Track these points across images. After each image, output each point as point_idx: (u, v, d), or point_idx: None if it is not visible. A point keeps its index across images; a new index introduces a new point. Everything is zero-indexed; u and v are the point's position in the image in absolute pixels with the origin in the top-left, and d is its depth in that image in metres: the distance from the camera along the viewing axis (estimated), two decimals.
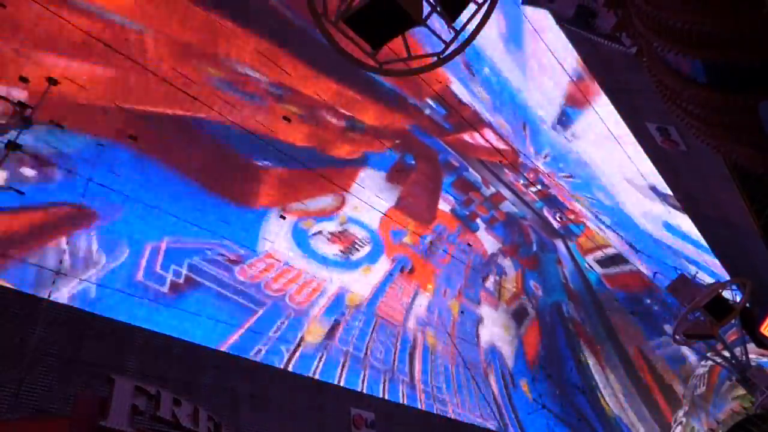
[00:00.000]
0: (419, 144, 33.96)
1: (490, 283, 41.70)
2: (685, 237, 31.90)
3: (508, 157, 36.62)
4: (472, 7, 8.88)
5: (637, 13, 8.01)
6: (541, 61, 26.83)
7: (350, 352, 27.71)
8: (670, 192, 24.92)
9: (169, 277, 21.37)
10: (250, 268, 24.82)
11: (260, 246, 25.72)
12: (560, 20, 15.73)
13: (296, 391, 19.37)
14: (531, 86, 30.06)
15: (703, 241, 27.34)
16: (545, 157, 36.86)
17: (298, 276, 27.24)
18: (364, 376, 27.78)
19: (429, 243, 36.61)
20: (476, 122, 34.05)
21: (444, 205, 37.53)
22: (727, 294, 22.46)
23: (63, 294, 17.41)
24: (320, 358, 26.12)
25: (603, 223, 39.23)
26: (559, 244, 44.18)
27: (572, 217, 40.90)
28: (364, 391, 26.01)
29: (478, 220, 40.74)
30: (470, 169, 39.40)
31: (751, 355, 23.94)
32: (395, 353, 30.56)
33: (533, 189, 40.84)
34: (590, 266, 42.86)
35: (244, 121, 23.81)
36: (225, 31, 22.33)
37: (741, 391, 28.20)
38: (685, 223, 28.26)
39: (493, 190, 41.47)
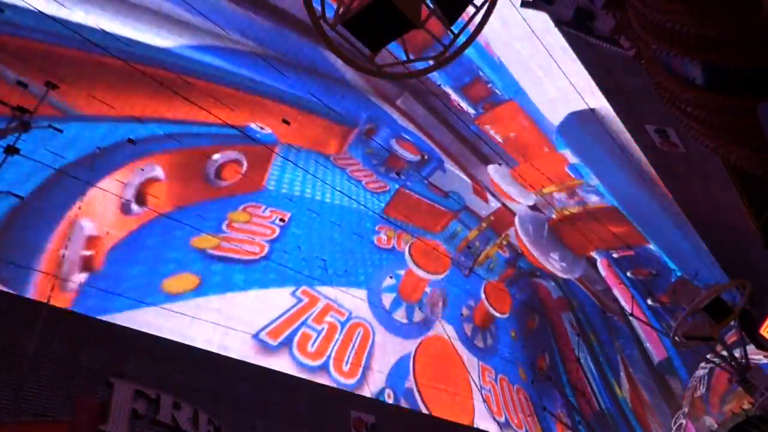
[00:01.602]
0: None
1: None
2: None
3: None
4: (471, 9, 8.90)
5: (635, 16, 8.03)
6: None
7: None
8: None
9: None
10: None
11: None
12: (558, 22, 15.75)
13: (296, 394, 19.34)
14: None
15: None
16: None
17: None
18: None
19: None
20: None
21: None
22: (726, 296, 22.44)
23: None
24: None
25: None
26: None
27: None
28: None
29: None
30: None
31: (751, 357, 23.91)
32: None
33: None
34: None
35: None
36: None
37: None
38: None
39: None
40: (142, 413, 10.66)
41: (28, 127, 15.25)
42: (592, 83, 19.77)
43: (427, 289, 29.38)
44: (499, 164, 28.73)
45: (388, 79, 16.58)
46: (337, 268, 24.97)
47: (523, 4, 15.67)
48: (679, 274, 29.57)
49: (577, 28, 14.50)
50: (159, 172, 20.62)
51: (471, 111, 26.56)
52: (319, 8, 8.70)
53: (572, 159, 27.84)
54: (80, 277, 17.77)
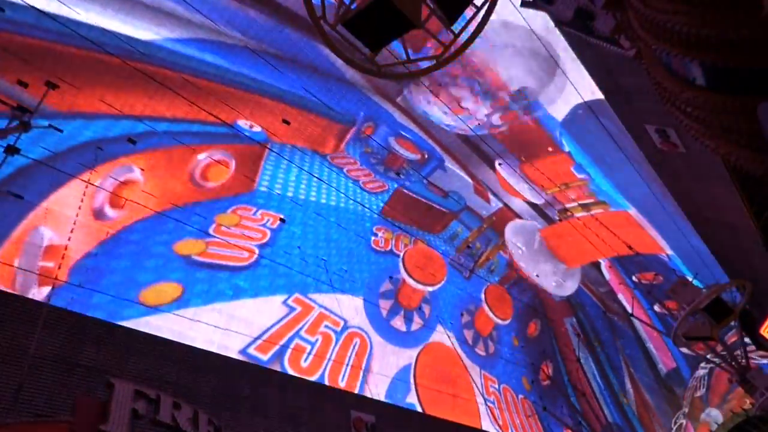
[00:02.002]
0: None
1: None
2: None
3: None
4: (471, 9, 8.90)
5: (635, 16, 8.02)
6: None
7: None
8: None
9: None
10: None
11: None
12: (558, 22, 15.76)
13: (296, 394, 19.33)
14: None
15: None
16: None
17: None
18: None
19: None
20: None
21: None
22: (726, 296, 22.43)
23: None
24: None
25: None
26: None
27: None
28: None
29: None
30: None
31: (751, 357, 23.92)
32: None
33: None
34: None
35: None
36: None
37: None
38: None
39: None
40: (142, 413, 10.63)
41: (28, 127, 15.18)
42: (592, 82, 19.79)
43: (427, 295, 28.26)
44: (500, 164, 28.43)
45: (389, 79, 16.59)
46: (332, 273, 23.64)
47: (523, 4, 15.69)
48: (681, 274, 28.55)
49: (577, 28, 14.51)
50: (136, 173, 19.26)
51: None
52: (320, 8, 8.70)
53: (578, 158, 27.07)
54: (42, 291, 16.09)
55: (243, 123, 22.16)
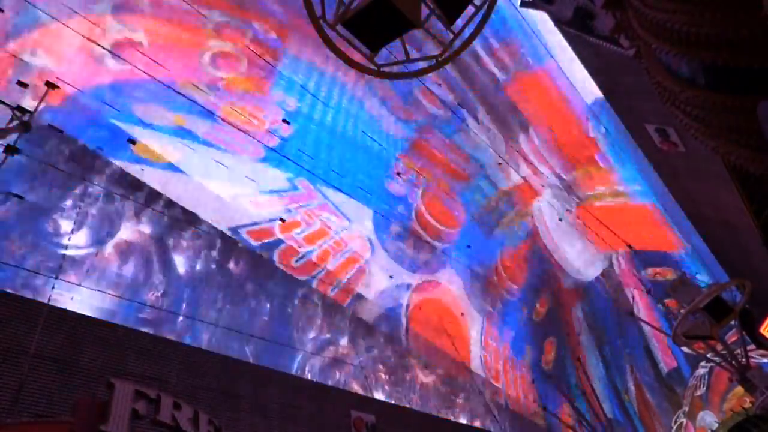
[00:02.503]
0: None
1: None
2: None
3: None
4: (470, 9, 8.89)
5: (635, 15, 8.03)
6: None
7: None
8: None
9: None
10: None
11: None
12: (558, 22, 15.76)
13: (296, 394, 19.33)
14: None
15: None
16: None
17: None
18: None
19: None
20: None
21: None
22: (726, 295, 22.43)
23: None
24: None
25: None
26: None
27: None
28: None
29: None
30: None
31: (751, 356, 23.93)
32: None
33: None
34: None
35: None
36: None
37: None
38: None
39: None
40: (142, 413, 10.62)
41: (29, 127, 15.18)
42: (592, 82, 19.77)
43: (441, 234, 25.81)
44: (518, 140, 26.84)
45: (388, 78, 16.60)
46: (347, 178, 20.78)
47: (523, 4, 15.71)
48: (696, 274, 28.21)
49: (577, 28, 14.52)
50: (141, 35, 17.32)
51: (501, 76, 24.21)
52: (319, 8, 8.70)
53: (603, 146, 25.70)
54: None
55: (257, 25, 19.85)
